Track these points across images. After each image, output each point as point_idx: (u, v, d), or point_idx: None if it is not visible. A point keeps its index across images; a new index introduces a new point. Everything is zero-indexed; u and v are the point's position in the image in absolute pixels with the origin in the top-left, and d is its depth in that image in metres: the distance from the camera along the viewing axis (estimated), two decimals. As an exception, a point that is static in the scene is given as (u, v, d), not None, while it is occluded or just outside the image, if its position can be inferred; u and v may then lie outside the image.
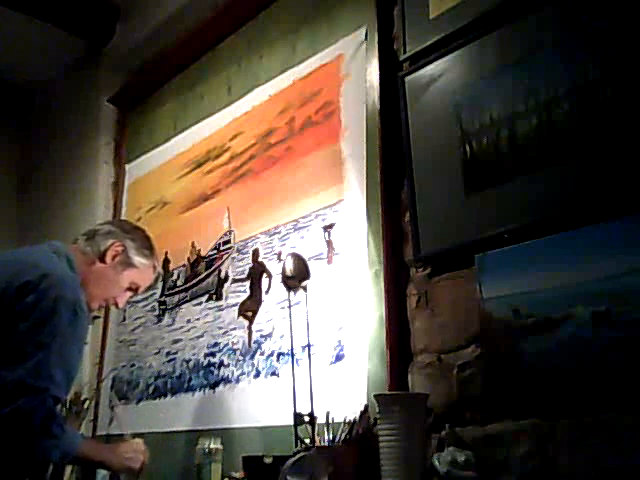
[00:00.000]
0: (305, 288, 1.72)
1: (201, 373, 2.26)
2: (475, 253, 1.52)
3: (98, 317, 2.80)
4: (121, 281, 1.79)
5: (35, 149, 3.64)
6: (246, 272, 2.21)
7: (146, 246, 1.85)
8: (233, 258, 2.28)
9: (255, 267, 2.18)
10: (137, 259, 1.80)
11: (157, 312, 2.58)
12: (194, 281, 2.43)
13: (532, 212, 1.45)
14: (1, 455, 1.46)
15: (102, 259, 1.76)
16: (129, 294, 1.86)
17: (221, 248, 2.35)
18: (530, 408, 1.38)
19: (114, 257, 1.77)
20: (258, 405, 2.00)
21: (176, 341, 2.42)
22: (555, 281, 1.37)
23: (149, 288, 1.94)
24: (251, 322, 2.13)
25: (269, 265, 2.12)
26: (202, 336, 2.31)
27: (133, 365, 2.60)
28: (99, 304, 1.81)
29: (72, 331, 1.51)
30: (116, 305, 1.85)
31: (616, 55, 1.36)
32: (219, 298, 2.29)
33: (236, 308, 2.20)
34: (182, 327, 2.42)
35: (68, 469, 2.09)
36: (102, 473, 2.05)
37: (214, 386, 2.19)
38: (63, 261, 1.66)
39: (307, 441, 1.58)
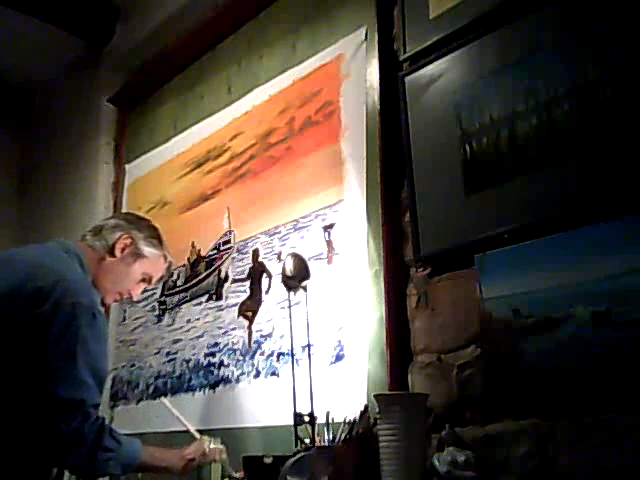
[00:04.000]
0: (305, 288, 1.72)
1: (201, 373, 2.26)
2: (475, 253, 1.52)
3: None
4: (133, 273, 1.78)
5: (35, 149, 3.64)
6: (246, 272, 2.21)
7: (154, 235, 1.84)
8: (233, 258, 2.28)
9: (255, 267, 2.18)
10: (147, 249, 1.79)
11: (157, 312, 2.58)
12: (194, 281, 2.43)
13: (532, 212, 1.45)
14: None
15: (112, 253, 1.74)
16: (143, 285, 1.84)
17: (221, 248, 2.35)
18: (530, 408, 1.38)
19: (123, 250, 1.75)
20: (258, 405, 2.00)
21: (176, 341, 2.42)
22: (555, 281, 1.37)
23: (162, 278, 1.93)
24: (251, 322, 2.13)
25: (269, 265, 2.12)
26: (202, 336, 2.31)
27: (133, 365, 2.60)
28: (114, 298, 1.80)
29: (93, 335, 1.49)
30: (131, 297, 1.84)
31: (616, 55, 1.36)
32: (219, 298, 2.29)
33: (236, 308, 2.20)
34: (182, 327, 2.42)
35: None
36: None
37: (214, 386, 2.19)
38: (74, 260, 1.65)
39: (307, 441, 1.58)
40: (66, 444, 1.41)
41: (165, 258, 1.87)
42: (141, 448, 1.58)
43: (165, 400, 2.10)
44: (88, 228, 1.82)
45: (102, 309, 1.62)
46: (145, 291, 2.63)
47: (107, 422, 1.50)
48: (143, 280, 1.82)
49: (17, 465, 1.45)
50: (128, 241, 1.76)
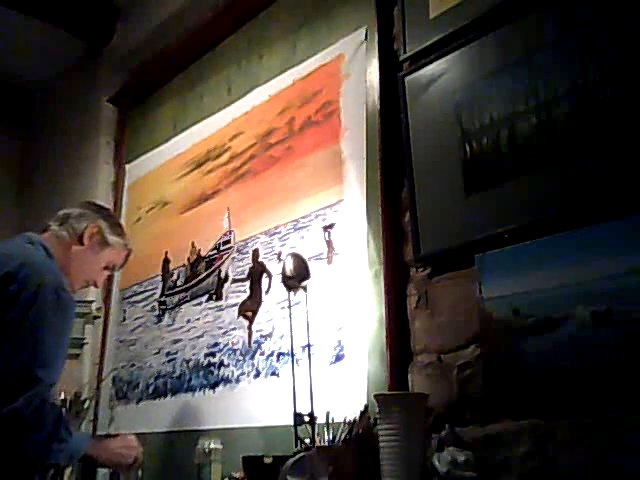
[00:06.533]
0: (305, 288, 1.72)
1: (201, 373, 2.26)
2: (475, 253, 1.52)
3: (98, 317, 2.80)
4: (99, 261, 1.83)
5: (35, 149, 3.64)
6: (246, 272, 2.21)
7: (117, 224, 1.90)
8: (233, 258, 2.28)
9: (255, 267, 2.18)
10: (112, 238, 1.84)
11: (157, 312, 2.58)
12: (194, 281, 2.44)
13: (532, 212, 1.45)
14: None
15: (80, 241, 1.78)
16: (106, 273, 1.90)
17: (221, 248, 2.35)
18: (530, 408, 1.38)
19: (91, 238, 1.79)
20: (258, 405, 2.00)
21: (176, 341, 2.42)
22: (555, 281, 1.37)
23: (122, 266, 1.96)
24: (251, 322, 2.13)
25: (269, 265, 2.12)
26: (202, 336, 2.31)
27: (133, 365, 2.60)
28: (80, 285, 1.84)
29: (58, 313, 1.52)
30: (95, 285, 1.89)
31: (616, 55, 1.36)
32: (219, 298, 2.29)
33: (236, 308, 2.20)
34: (182, 327, 2.42)
35: (68, 469, 2.09)
36: (102, 472, 2.06)
37: (214, 386, 2.19)
38: (39, 249, 1.67)
39: (307, 441, 1.58)
40: (25, 429, 1.41)
41: (126, 246, 1.91)
42: (87, 442, 1.61)
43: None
44: (52, 218, 1.83)
45: (69, 290, 1.63)
46: (145, 291, 2.66)
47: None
48: (106, 268, 1.87)
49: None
50: (95, 230, 1.81)
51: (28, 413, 1.40)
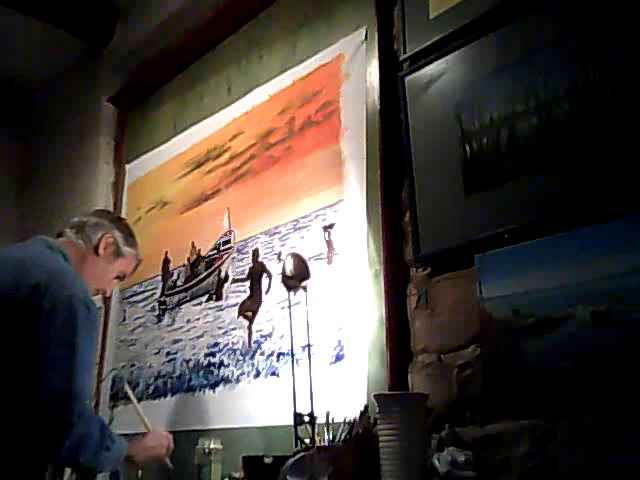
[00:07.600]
0: (305, 288, 1.72)
1: (201, 373, 2.26)
2: (475, 253, 1.52)
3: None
4: (112, 271, 1.84)
5: (35, 149, 3.64)
6: (246, 272, 2.21)
7: (131, 234, 1.90)
8: (233, 258, 2.28)
9: (255, 267, 2.18)
10: (125, 249, 1.85)
11: (157, 312, 2.58)
12: (194, 281, 2.44)
13: (532, 212, 1.45)
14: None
15: (95, 251, 1.79)
16: (116, 282, 1.92)
17: (221, 248, 2.35)
18: (530, 408, 1.38)
19: (106, 248, 1.81)
20: (258, 405, 2.00)
21: (176, 341, 2.42)
22: (555, 281, 1.37)
23: (131, 274, 1.96)
24: (251, 322, 2.13)
25: (269, 265, 2.12)
26: (202, 336, 2.31)
27: (133, 365, 2.60)
28: (92, 294, 1.83)
29: (88, 327, 1.55)
30: (104, 294, 1.91)
31: (616, 55, 1.36)
32: (219, 298, 2.29)
33: (236, 308, 2.20)
34: (182, 327, 2.42)
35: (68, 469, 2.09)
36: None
37: (214, 386, 2.19)
38: (58, 256, 1.68)
39: (307, 441, 1.58)
40: (76, 442, 1.44)
41: (137, 256, 1.92)
42: (127, 445, 1.63)
43: (127, 387, 2.17)
44: (67, 224, 1.84)
45: (94, 300, 1.65)
46: (145, 291, 2.66)
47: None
48: (117, 277, 1.89)
49: (14, 463, 1.47)
50: (110, 240, 1.82)
51: (79, 426, 1.44)
